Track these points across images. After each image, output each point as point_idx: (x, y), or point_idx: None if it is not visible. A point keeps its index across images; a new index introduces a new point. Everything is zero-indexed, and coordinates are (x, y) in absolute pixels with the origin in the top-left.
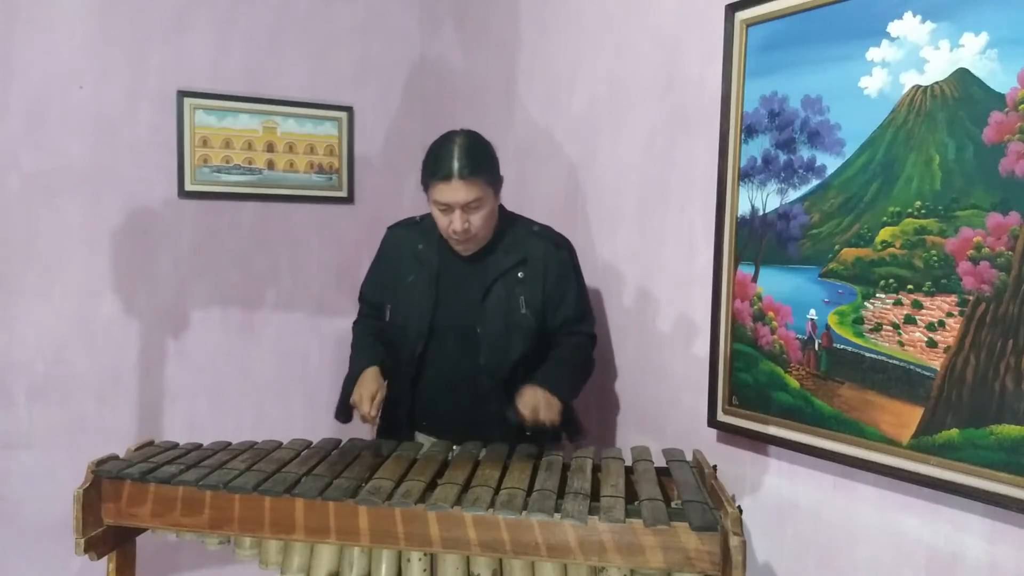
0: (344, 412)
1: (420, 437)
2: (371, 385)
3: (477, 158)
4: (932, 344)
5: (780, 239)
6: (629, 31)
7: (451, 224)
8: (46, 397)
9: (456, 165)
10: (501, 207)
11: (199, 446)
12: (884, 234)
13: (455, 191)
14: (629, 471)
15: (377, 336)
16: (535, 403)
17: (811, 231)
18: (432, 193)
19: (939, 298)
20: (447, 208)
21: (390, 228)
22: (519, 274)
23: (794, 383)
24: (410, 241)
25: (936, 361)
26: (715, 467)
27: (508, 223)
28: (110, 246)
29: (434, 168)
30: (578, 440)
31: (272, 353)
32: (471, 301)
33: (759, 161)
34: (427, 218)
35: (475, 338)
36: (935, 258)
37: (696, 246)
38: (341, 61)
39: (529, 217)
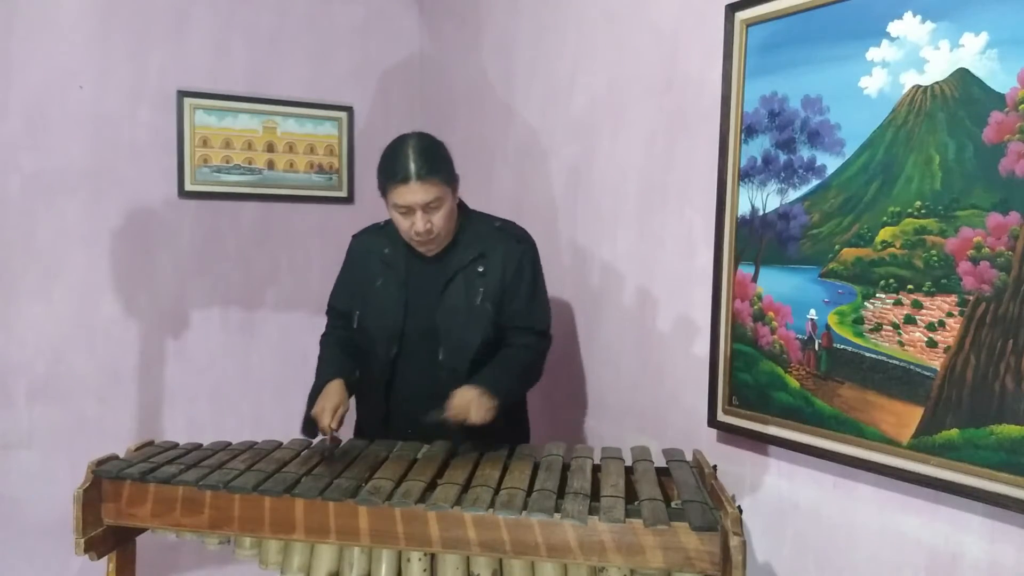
0: (309, 427)
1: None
2: (333, 397)
3: (432, 158)
4: (932, 344)
5: (780, 239)
6: (629, 31)
7: (413, 226)
8: (46, 397)
9: (412, 167)
10: (462, 204)
11: (199, 446)
12: (884, 234)
13: (413, 193)
14: (629, 471)
15: (344, 349)
16: (464, 402)
17: (811, 231)
18: (391, 197)
19: (939, 298)
20: (407, 211)
21: (355, 236)
22: (479, 268)
23: (794, 383)
24: (376, 246)
25: (936, 361)
26: (715, 467)
27: (470, 221)
28: (110, 246)
29: (390, 172)
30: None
31: (272, 353)
32: (434, 299)
33: (759, 161)
34: (391, 223)
35: (439, 335)
36: (935, 258)
37: (696, 246)
38: (341, 61)
39: (491, 214)
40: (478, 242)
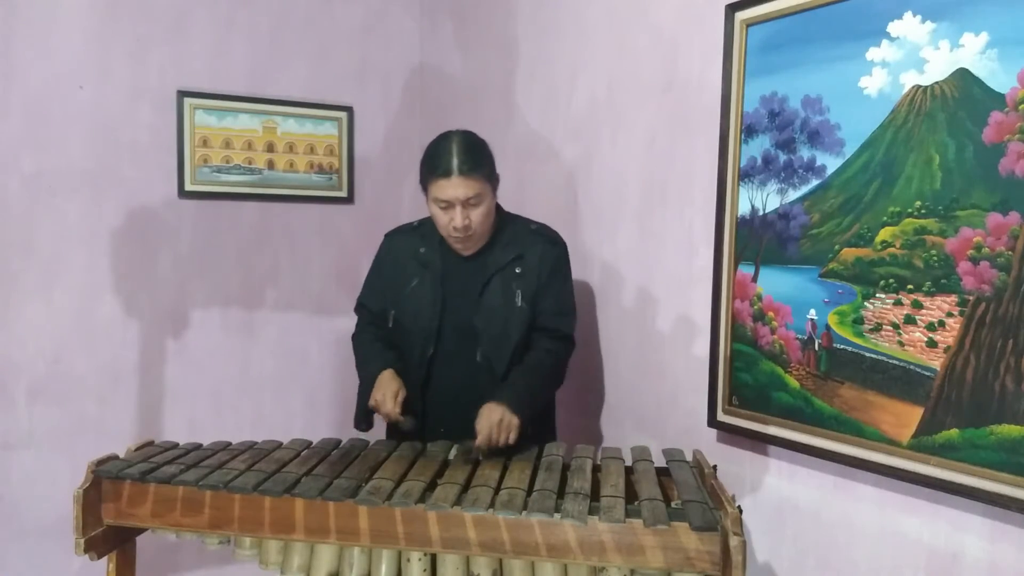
0: (365, 419)
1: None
2: (391, 384)
3: (475, 155)
4: (932, 344)
5: (780, 239)
6: (629, 31)
7: (452, 221)
8: (46, 397)
9: (456, 162)
10: (499, 207)
11: (199, 446)
12: (884, 234)
13: (455, 187)
14: (629, 471)
15: (384, 343)
16: (490, 426)
17: (811, 231)
18: (432, 191)
19: (939, 298)
20: (448, 205)
21: (388, 235)
22: (516, 269)
23: (794, 383)
24: (410, 245)
25: (936, 361)
26: (715, 467)
27: (506, 222)
28: (110, 246)
29: (433, 165)
30: None
31: (272, 353)
32: (472, 299)
33: (759, 161)
34: (425, 222)
35: (477, 335)
36: (935, 258)
37: (696, 246)
38: (341, 61)
39: (527, 217)
40: (515, 243)
